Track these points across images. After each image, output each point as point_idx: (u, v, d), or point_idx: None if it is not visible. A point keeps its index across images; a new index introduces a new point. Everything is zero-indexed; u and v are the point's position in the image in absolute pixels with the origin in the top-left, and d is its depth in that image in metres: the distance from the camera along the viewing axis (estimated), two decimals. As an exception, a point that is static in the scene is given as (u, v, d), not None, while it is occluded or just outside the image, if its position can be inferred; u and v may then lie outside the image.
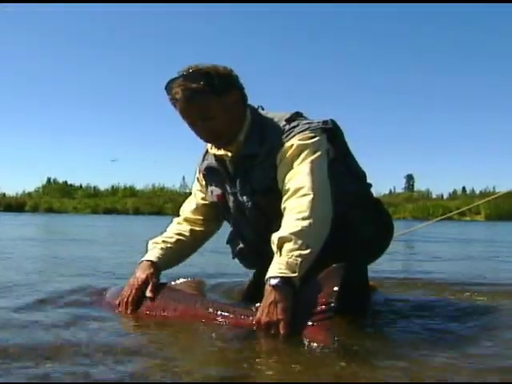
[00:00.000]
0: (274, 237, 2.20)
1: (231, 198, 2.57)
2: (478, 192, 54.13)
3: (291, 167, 2.32)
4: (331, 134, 2.44)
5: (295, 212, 2.18)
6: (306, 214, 2.15)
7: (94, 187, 63.15)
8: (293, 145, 2.34)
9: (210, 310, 2.38)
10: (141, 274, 2.55)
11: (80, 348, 1.92)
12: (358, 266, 2.52)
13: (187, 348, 2.07)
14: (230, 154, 2.51)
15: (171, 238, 2.75)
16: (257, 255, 2.62)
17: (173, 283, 2.64)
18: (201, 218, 2.82)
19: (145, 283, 2.52)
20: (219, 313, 2.35)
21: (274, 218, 2.37)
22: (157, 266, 2.61)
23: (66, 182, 64.61)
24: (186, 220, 2.83)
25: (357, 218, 2.43)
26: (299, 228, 2.15)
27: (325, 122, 2.43)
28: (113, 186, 60.47)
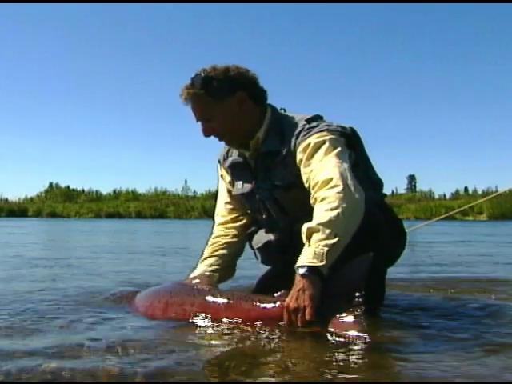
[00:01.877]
0: (304, 227, 2.24)
1: (256, 193, 2.64)
2: (480, 192, 54.09)
3: (314, 162, 2.37)
4: (349, 140, 2.49)
5: (325, 203, 2.22)
6: (335, 203, 2.18)
7: (97, 191, 63.23)
8: (310, 143, 2.40)
9: (232, 301, 2.38)
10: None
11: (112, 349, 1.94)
12: (380, 268, 2.56)
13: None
14: (247, 152, 2.61)
15: (213, 255, 2.80)
16: (277, 251, 2.66)
17: (184, 280, 2.66)
18: (238, 213, 2.85)
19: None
20: (243, 303, 2.36)
21: (294, 215, 2.47)
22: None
23: (68, 187, 64.67)
24: (225, 226, 2.85)
25: (380, 218, 2.49)
26: (327, 218, 2.18)
27: (343, 128, 2.50)
28: (115, 190, 60.57)
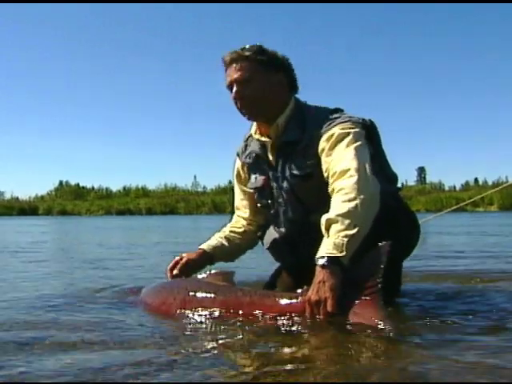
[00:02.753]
0: (323, 219, 2.24)
1: (273, 184, 2.65)
2: (490, 183, 53.89)
3: (335, 153, 2.38)
4: (368, 132, 2.51)
5: (342, 194, 2.22)
6: (353, 194, 2.19)
7: (106, 188, 63.47)
8: (334, 133, 2.42)
9: (255, 297, 2.36)
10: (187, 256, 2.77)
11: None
12: (398, 258, 2.57)
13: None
14: (269, 139, 2.62)
15: (226, 235, 2.89)
16: (289, 247, 2.65)
17: (200, 276, 2.65)
18: (252, 213, 2.91)
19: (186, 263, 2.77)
20: (265, 300, 2.34)
21: (312, 207, 2.48)
22: (208, 254, 2.80)
23: (78, 185, 64.92)
24: (239, 221, 2.94)
25: (397, 209, 2.51)
26: (346, 209, 2.18)
27: (364, 120, 2.52)
28: (124, 187, 60.69)
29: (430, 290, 3.07)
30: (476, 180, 66.45)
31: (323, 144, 2.44)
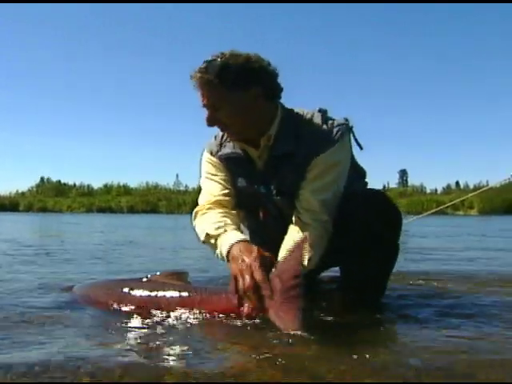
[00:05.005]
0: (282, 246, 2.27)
1: (259, 194, 2.47)
2: (472, 186, 54.44)
3: (319, 179, 2.35)
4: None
5: (300, 237, 2.17)
6: (308, 246, 2.14)
7: (88, 186, 63.07)
8: (327, 160, 2.33)
9: (204, 296, 2.31)
10: (250, 256, 2.20)
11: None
12: (374, 264, 2.49)
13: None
14: (254, 149, 2.44)
15: (228, 219, 2.51)
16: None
17: (153, 277, 2.55)
18: (232, 202, 2.60)
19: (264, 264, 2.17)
20: (212, 297, 2.29)
21: (288, 220, 2.39)
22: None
23: (59, 181, 64.51)
24: (220, 204, 2.57)
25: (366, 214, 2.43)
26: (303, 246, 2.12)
27: (348, 121, 2.44)
28: (106, 185, 60.30)
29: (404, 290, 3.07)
30: (457, 183, 67.09)
31: (315, 164, 2.34)
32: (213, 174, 2.62)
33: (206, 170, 2.65)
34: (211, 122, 2.34)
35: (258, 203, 2.53)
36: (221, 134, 2.58)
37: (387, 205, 2.37)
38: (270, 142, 2.41)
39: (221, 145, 2.56)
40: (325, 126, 2.37)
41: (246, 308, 2.09)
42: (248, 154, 2.47)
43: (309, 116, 2.43)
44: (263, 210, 2.55)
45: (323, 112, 2.43)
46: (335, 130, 2.35)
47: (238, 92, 2.30)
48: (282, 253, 2.20)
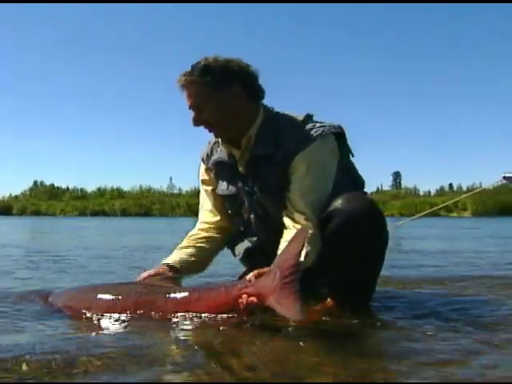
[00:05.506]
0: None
1: (242, 194, 2.54)
2: (465, 188, 54.66)
3: (303, 179, 2.37)
4: (339, 137, 2.49)
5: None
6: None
7: (81, 189, 62.84)
8: (307, 157, 2.36)
9: (202, 292, 2.26)
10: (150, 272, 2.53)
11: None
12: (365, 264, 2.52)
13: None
14: (237, 150, 2.50)
15: (190, 245, 2.69)
16: (262, 255, 2.59)
17: (140, 278, 2.50)
18: (219, 216, 2.72)
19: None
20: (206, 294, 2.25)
21: (277, 217, 2.43)
22: (174, 269, 2.56)
23: (52, 185, 64.27)
24: (202, 229, 2.75)
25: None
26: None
27: (335, 127, 2.47)
28: (99, 188, 60.13)
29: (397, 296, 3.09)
30: (451, 185, 67.33)
31: (295, 165, 2.40)
32: (206, 184, 2.75)
33: (200, 178, 2.78)
34: (197, 121, 2.45)
35: (242, 204, 2.59)
36: (213, 139, 2.66)
37: (372, 206, 2.41)
38: (251, 143, 2.48)
39: (212, 150, 2.64)
40: (306, 128, 2.43)
41: (244, 300, 2.08)
42: (234, 157, 2.53)
43: (292, 119, 2.50)
44: (247, 209, 2.60)
45: (309, 116, 2.48)
46: (315, 130, 2.41)
47: (221, 91, 2.40)
48: (281, 245, 2.24)
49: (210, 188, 2.73)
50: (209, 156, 2.65)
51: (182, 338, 1.97)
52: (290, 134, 2.39)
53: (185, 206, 43.33)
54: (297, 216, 2.36)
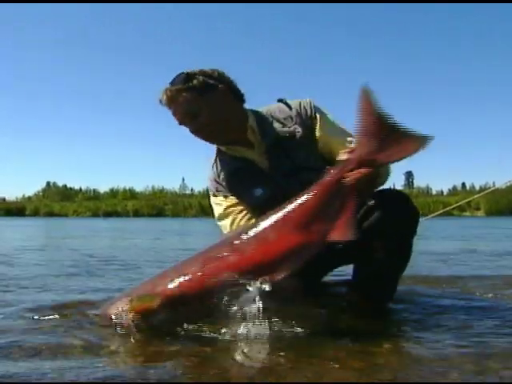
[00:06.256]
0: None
1: (277, 189, 2.46)
2: (477, 188, 54.36)
3: (332, 126, 2.49)
4: None
5: None
6: None
7: (94, 190, 63.28)
8: (322, 113, 2.50)
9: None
10: None
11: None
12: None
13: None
14: (248, 149, 2.49)
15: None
16: None
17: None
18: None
19: None
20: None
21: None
22: None
23: (65, 186, 64.81)
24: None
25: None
26: None
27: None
28: (112, 189, 60.49)
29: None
30: (463, 185, 67.02)
31: (315, 124, 2.47)
32: (235, 206, 2.60)
33: (224, 207, 2.63)
34: (196, 127, 2.46)
35: (279, 200, 2.45)
36: (210, 162, 2.61)
37: (411, 200, 2.42)
38: (256, 134, 2.51)
39: (218, 174, 2.58)
40: (293, 104, 2.56)
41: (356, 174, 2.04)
42: (248, 160, 2.51)
43: (273, 106, 2.59)
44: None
45: (281, 100, 2.63)
46: (303, 102, 2.56)
47: (209, 93, 2.46)
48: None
49: (240, 207, 2.60)
50: (218, 181, 2.58)
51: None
52: (285, 113, 2.52)
53: (197, 206, 43.37)
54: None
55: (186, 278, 2.10)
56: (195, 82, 2.45)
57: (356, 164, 2.04)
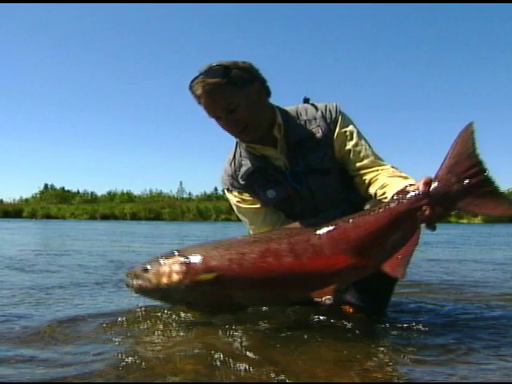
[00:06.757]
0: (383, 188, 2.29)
1: (292, 191, 2.48)
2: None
3: (356, 145, 2.48)
4: None
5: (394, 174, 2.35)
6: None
7: (92, 193, 63.26)
8: (349, 125, 2.51)
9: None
10: None
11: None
12: None
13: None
14: (270, 148, 2.51)
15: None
16: None
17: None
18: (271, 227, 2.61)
19: None
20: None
21: (320, 205, 2.52)
22: None
23: (63, 188, 64.67)
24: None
25: None
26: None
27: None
28: (110, 192, 60.49)
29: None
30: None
31: (340, 134, 2.49)
32: (249, 204, 2.65)
33: (236, 203, 2.68)
34: (240, 124, 2.42)
35: (296, 201, 2.57)
36: (228, 160, 2.63)
37: None
38: (282, 132, 2.52)
39: (235, 170, 2.58)
40: (320, 106, 2.56)
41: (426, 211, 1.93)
42: (266, 159, 2.53)
43: (300, 106, 2.61)
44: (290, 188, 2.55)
45: (307, 100, 2.63)
46: (329, 105, 2.55)
47: (247, 87, 2.42)
48: (398, 183, 2.21)
49: (257, 205, 2.65)
50: (234, 177, 2.62)
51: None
52: (313, 114, 2.53)
53: (195, 210, 43.30)
54: (382, 170, 2.40)
55: (244, 261, 2.13)
56: (233, 76, 2.38)
57: (432, 200, 1.91)
